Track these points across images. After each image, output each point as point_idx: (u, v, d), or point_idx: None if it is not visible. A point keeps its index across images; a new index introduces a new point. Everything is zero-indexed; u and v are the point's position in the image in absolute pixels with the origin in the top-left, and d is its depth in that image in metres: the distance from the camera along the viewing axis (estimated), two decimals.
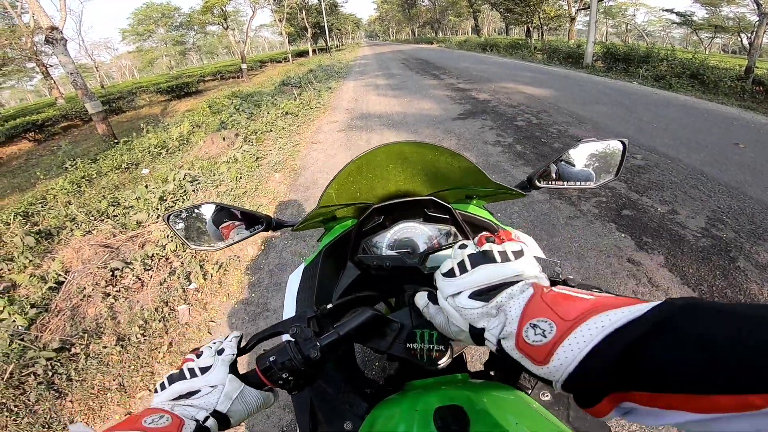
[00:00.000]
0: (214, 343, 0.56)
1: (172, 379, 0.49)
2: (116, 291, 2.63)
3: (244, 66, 20.86)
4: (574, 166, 0.82)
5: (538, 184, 0.82)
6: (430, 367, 0.56)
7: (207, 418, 0.46)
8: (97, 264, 2.87)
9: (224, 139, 6.05)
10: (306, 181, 4.21)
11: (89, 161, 8.42)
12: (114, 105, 15.99)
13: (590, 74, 10.71)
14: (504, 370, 0.66)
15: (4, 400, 1.90)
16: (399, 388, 0.63)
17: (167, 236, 3.10)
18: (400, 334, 0.56)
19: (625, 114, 5.55)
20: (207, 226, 0.82)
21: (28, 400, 1.91)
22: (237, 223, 0.84)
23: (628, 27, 39.43)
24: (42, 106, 19.11)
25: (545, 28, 22.59)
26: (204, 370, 0.50)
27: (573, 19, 23.53)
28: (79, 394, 1.95)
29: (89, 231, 3.69)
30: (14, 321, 2.34)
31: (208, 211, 0.82)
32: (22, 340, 2.20)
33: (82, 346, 2.21)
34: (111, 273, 2.80)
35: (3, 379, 1.96)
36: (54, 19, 8.54)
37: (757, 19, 10.66)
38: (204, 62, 58.98)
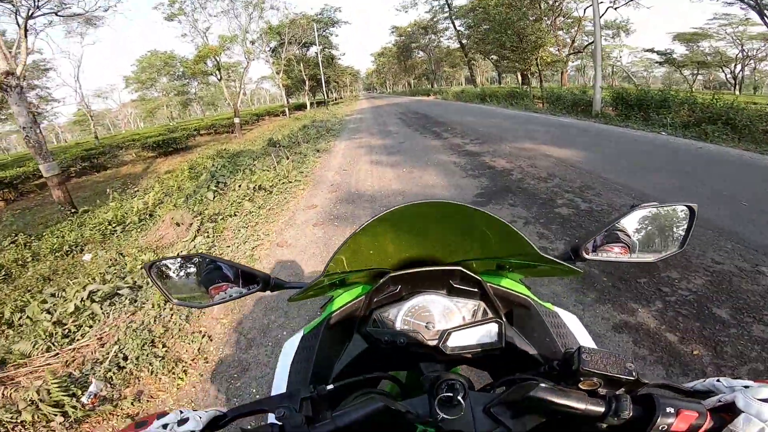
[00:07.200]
0: (180, 412, 0.45)
1: None
2: None
3: (237, 120, 20.15)
4: (629, 235, 0.71)
5: (585, 256, 0.71)
6: None
7: None
8: None
9: (178, 225, 4.77)
10: (252, 324, 2.62)
11: (34, 238, 7.16)
12: (95, 161, 15.06)
13: (608, 125, 9.73)
14: None
15: None
16: None
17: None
18: (397, 420, 0.46)
19: (691, 184, 4.27)
20: (194, 281, 0.73)
21: None
22: (230, 280, 0.74)
23: (614, 69, 40.23)
24: (18, 160, 18.00)
25: (541, 74, 22.41)
26: None
27: (565, 63, 23.53)
28: None
29: None
30: None
31: (198, 264, 0.74)
32: None
33: None
34: None
35: None
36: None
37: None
38: (207, 113, 59.87)
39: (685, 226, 0.70)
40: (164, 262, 0.72)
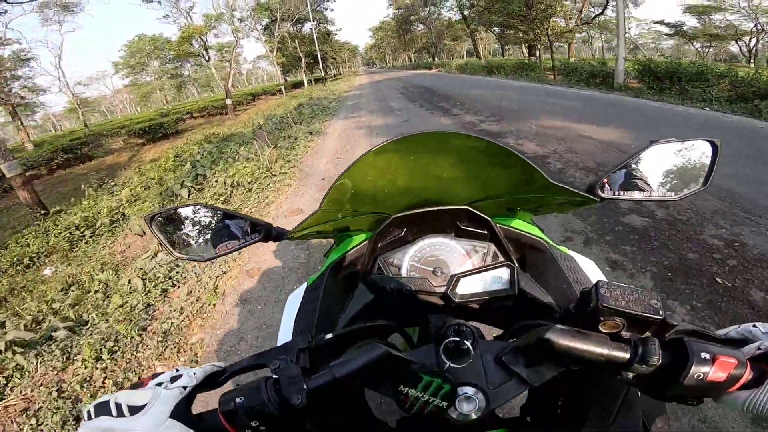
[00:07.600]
0: (176, 370, 0.42)
1: (98, 410, 0.36)
2: None
3: (228, 102, 19.01)
4: (647, 173, 0.64)
5: (602, 194, 0.63)
6: (461, 420, 0.41)
7: None
8: None
9: (143, 234, 3.94)
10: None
11: None
12: (78, 152, 14.13)
13: (639, 98, 8.68)
14: (549, 417, 0.52)
15: None
16: None
17: None
18: (399, 369, 0.41)
19: None
20: (195, 232, 0.69)
21: None
22: (231, 229, 0.69)
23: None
24: None
25: (549, 45, 20.99)
26: (134, 409, 0.36)
27: (573, 34, 22.14)
28: None
29: None
30: None
31: (198, 214, 0.69)
32: None
33: None
34: None
35: None
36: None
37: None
38: (203, 95, 58.05)
39: (708, 163, 0.63)
40: (165, 213, 0.67)
